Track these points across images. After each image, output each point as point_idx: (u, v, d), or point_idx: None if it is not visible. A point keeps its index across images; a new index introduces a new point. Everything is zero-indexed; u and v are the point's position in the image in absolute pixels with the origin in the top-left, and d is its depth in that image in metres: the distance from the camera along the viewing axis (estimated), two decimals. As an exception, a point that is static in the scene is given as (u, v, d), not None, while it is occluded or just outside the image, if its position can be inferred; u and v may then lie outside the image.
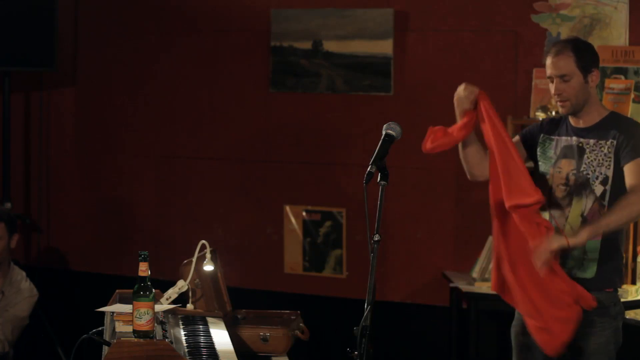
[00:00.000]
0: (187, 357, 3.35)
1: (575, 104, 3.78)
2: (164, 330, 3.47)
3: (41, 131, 6.44)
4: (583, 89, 3.77)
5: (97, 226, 6.39)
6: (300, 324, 4.21)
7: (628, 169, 3.70)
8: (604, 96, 5.03)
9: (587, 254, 3.75)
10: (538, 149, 3.90)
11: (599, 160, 3.75)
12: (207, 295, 4.02)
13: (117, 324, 3.47)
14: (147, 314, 3.25)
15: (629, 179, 3.69)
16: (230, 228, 6.01)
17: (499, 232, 3.80)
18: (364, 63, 5.65)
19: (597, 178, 3.74)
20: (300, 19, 5.76)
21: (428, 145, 3.94)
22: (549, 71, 3.80)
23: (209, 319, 3.88)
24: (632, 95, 5.01)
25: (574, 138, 3.82)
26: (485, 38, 5.46)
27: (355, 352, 3.05)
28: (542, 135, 3.92)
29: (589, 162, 3.77)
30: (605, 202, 3.72)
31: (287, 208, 5.89)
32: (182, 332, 3.65)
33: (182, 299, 3.97)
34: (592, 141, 3.78)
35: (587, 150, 3.78)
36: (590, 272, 3.77)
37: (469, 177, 3.99)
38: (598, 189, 3.75)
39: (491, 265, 3.97)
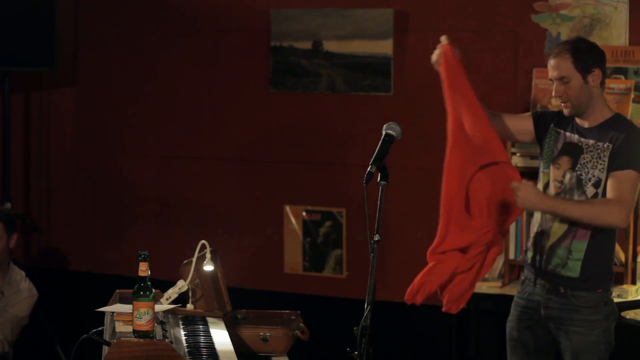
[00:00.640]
0: (187, 357, 3.35)
1: (577, 105, 3.78)
2: (164, 330, 3.47)
3: (41, 131, 6.44)
4: (583, 90, 3.76)
5: (97, 226, 6.39)
6: (300, 324, 4.21)
7: (613, 178, 3.70)
8: (604, 96, 5.03)
9: (572, 254, 3.76)
10: (546, 139, 3.91)
11: (593, 162, 3.75)
12: (207, 295, 4.02)
13: (117, 324, 3.47)
14: (147, 314, 3.25)
15: (609, 189, 3.69)
16: (230, 228, 6.01)
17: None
18: (364, 63, 5.65)
19: (589, 180, 3.74)
20: (300, 19, 5.76)
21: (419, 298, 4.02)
22: (549, 73, 3.82)
23: (209, 319, 3.88)
24: (632, 95, 5.01)
25: (576, 136, 3.83)
26: (485, 38, 5.46)
27: (355, 352, 3.05)
28: (552, 125, 3.93)
29: (584, 163, 3.77)
30: None
31: (287, 208, 5.89)
32: (182, 332, 3.65)
33: (182, 299, 3.97)
34: (591, 142, 3.78)
35: (585, 151, 3.78)
36: (574, 272, 3.78)
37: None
38: (590, 191, 3.75)
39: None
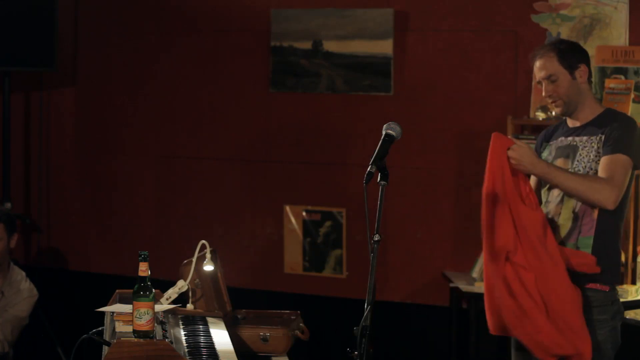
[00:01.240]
0: (187, 357, 3.35)
1: (568, 102, 3.81)
2: (164, 330, 3.46)
3: (41, 131, 6.45)
4: (572, 86, 3.80)
5: (97, 226, 6.40)
6: (300, 324, 4.21)
7: (604, 160, 3.71)
8: (604, 96, 5.03)
9: (579, 250, 3.75)
10: (542, 155, 3.92)
11: (590, 156, 3.76)
12: (207, 295, 4.02)
13: (117, 324, 3.47)
14: (147, 314, 3.25)
15: (600, 170, 3.70)
16: (230, 228, 6.01)
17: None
18: (364, 63, 5.65)
19: (587, 173, 3.74)
20: (300, 19, 5.76)
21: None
22: (537, 76, 3.86)
23: (209, 319, 3.88)
24: (632, 95, 5.01)
25: (569, 138, 3.84)
26: (485, 38, 5.46)
27: (355, 352, 3.05)
28: (544, 143, 3.96)
29: (580, 159, 3.77)
30: None
31: (287, 208, 5.89)
32: (182, 332, 3.64)
33: (182, 299, 3.97)
34: (584, 138, 3.79)
35: (580, 147, 3.79)
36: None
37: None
38: None
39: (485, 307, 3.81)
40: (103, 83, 6.35)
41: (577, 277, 3.74)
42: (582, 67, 3.81)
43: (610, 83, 5.03)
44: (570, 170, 3.78)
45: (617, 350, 3.87)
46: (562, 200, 3.78)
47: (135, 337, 3.25)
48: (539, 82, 3.86)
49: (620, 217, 3.81)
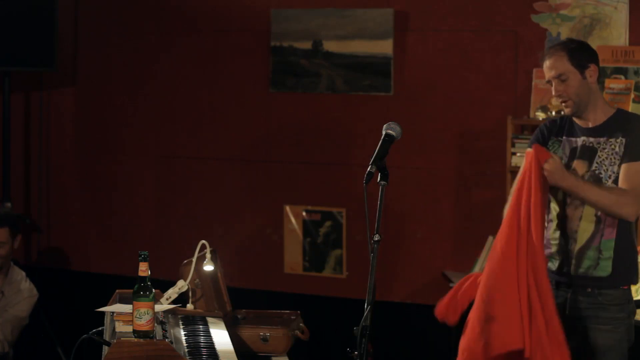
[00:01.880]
0: (187, 357, 3.35)
1: (578, 102, 3.78)
2: (164, 330, 3.47)
3: (41, 131, 6.45)
4: (583, 86, 3.76)
5: (97, 226, 6.39)
6: (300, 324, 4.21)
7: (626, 169, 3.70)
8: (604, 96, 5.03)
9: (602, 253, 3.74)
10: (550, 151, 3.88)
11: (610, 159, 3.74)
12: (207, 295, 4.02)
13: (117, 324, 3.47)
14: (147, 314, 3.25)
15: (622, 180, 3.70)
16: (230, 228, 6.01)
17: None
18: (364, 63, 5.65)
19: (609, 177, 3.73)
20: (300, 19, 5.76)
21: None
22: (546, 75, 3.82)
23: (209, 319, 3.88)
24: (632, 95, 5.00)
25: (584, 138, 3.80)
26: (485, 38, 5.46)
27: (355, 352, 3.05)
28: (552, 137, 3.89)
29: (600, 161, 3.75)
30: None
31: (287, 208, 5.89)
32: (182, 332, 3.64)
33: (182, 299, 3.97)
34: (602, 139, 3.77)
35: (599, 150, 3.76)
36: (606, 271, 3.75)
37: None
38: None
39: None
40: (103, 83, 6.34)
41: (593, 282, 3.76)
42: (592, 67, 3.78)
43: (610, 83, 5.03)
44: (589, 173, 3.76)
45: (631, 346, 3.86)
46: (582, 203, 3.77)
47: (135, 337, 3.25)
48: (549, 82, 3.82)
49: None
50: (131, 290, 3.31)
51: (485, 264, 3.79)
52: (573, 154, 3.82)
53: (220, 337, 3.66)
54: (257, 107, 5.95)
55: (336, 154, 5.80)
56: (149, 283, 3.26)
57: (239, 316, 4.18)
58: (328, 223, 5.82)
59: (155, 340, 3.25)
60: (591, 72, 3.78)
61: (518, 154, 5.08)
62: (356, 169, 5.61)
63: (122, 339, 3.22)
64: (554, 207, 3.83)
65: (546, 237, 3.84)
